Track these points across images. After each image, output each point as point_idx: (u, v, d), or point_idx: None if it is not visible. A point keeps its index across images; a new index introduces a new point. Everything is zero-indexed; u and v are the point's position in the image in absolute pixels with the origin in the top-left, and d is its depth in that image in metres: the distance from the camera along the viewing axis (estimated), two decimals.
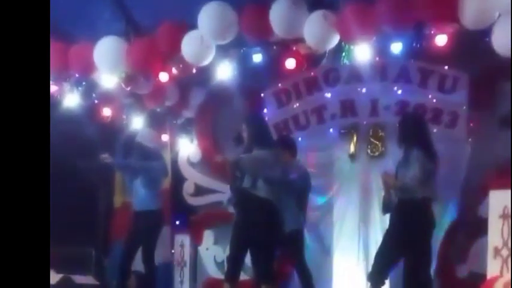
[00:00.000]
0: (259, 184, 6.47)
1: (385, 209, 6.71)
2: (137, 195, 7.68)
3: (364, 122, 7.81)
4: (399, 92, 7.66)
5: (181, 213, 8.82)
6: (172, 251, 8.74)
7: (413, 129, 6.55)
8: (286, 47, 6.82)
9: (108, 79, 7.68)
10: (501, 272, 6.41)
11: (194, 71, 7.41)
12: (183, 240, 8.65)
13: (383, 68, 7.65)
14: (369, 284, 6.58)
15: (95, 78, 7.76)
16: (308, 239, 7.45)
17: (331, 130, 7.96)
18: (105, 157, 7.48)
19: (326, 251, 7.86)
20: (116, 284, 7.96)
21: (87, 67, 7.46)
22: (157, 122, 8.54)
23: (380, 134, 7.76)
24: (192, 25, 6.82)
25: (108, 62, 7.37)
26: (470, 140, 7.47)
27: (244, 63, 7.16)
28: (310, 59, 7.08)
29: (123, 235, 8.41)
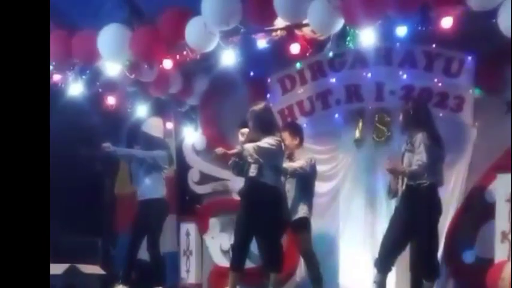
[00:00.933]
0: (266, 172, 6.46)
1: (391, 194, 6.69)
2: (142, 183, 7.70)
3: (370, 107, 7.77)
4: (404, 76, 7.61)
5: (186, 201, 8.81)
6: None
7: (418, 115, 6.53)
8: (290, 32, 6.75)
9: (112, 67, 7.64)
10: (509, 256, 6.39)
11: (198, 57, 7.35)
12: (189, 228, 8.64)
13: (388, 53, 7.59)
14: (376, 270, 6.57)
15: (99, 66, 7.72)
16: (314, 226, 7.41)
17: (336, 115, 7.93)
18: (107, 146, 7.49)
19: (332, 238, 7.83)
20: (122, 274, 7.97)
21: (91, 55, 7.42)
22: (162, 110, 8.52)
23: (386, 119, 7.72)
24: (195, 11, 6.77)
25: (111, 50, 7.34)
26: (476, 123, 7.42)
27: (248, 49, 7.10)
28: (315, 44, 7.01)
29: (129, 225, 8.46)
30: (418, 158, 6.30)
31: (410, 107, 6.64)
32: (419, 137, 6.33)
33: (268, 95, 8.17)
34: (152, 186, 7.73)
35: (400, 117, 6.64)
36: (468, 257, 7.28)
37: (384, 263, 6.52)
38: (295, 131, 7.28)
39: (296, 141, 7.20)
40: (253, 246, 7.26)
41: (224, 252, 8.43)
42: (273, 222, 6.50)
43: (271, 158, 6.47)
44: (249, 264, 7.70)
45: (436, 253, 6.63)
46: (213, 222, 8.58)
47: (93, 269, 8.09)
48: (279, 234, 6.74)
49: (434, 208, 6.42)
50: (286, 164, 7.03)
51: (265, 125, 6.53)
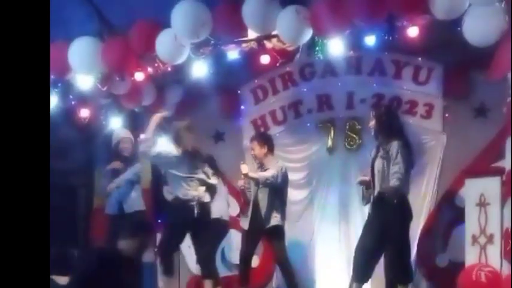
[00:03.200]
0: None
1: (365, 200, 6.79)
2: (128, 197, 7.77)
3: (341, 116, 7.87)
4: (374, 84, 7.72)
5: (162, 211, 8.81)
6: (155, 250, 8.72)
7: (391, 121, 6.63)
8: (260, 43, 6.82)
9: (84, 80, 7.64)
10: (479, 259, 6.49)
11: (169, 69, 7.38)
12: None
13: (357, 62, 7.71)
14: (353, 279, 6.62)
15: (71, 79, 7.72)
16: (289, 233, 7.47)
17: (308, 124, 8.01)
18: (116, 164, 7.78)
19: (307, 246, 7.89)
20: None
21: (63, 68, 7.40)
22: (135, 122, 8.54)
23: (357, 127, 7.82)
24: (165, 24, 6.80)
25: (83, 63, 7.32)
26: (445, 130, 7.53)
27: (219, 60, 7.16)
28: (285, 55, 7.09)
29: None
30: (396, 169, 6.37)
31: (383, 112, 6.74)
32: (395, 146, 6.41)
33: (242, 106, 8.25)
34: (137, 199, 7.86)
35: (372, 123, 6.72)
36: (441, 260, 7.39)
37: (359, 272, 6.57)
38: (263, 140, 7.36)
39: (264, 150, 7.27)
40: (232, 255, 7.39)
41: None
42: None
43: None
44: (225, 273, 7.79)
45: (408, 257, 6.72)
46: None
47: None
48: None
49: (405, 214, 6.51)
50: (257, 174, 7.11)
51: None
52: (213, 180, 7.38)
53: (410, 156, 6.56)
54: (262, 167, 7.27)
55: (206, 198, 7.26)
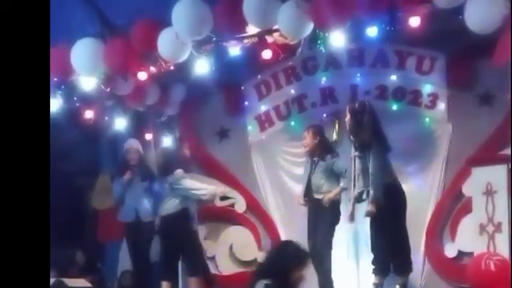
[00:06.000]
0: None
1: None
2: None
3: (345, 109, 7.81)
4: (378, 76, 7.69)
5: None
6: None
7: (364, 117, 6.74)
8: (261, 38, 6.80)
9: (88, 81, 7.65)
10: (488, 248, 6.47)
11: (172, 68, 7.38)
12: None
13: (360, 54, 7.69)
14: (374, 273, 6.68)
15: (74, 81, 7.73)
16: (296, 227, 7.47)
17: (312, 118, 7.98)
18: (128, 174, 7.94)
19: None
20: (110, 287, 7.99)
21: (65, 70, 7.41)
22: (140, 122, 8.56)
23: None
24: (166, 22, 6.80)
25: (85, 64, 7.32)
26: (451, 119, 7.50)
27: (221, 57, 7.14)
28: (287, 49, 7.07)
29: (115, 238, 8.50)
30: (373, 170, 6.54)
31: (357, 110, 6.75)
32: (370, 145, 6.59)
33: (245, 102, 8.24)
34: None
35: (347, 121, 6.82)
36: (449, 250, 7.36)
37: (378, 265, 6.66)
38: (316, 131, 7.40)
39: (316, 141, 7.31)
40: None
41: (210, 259, 8.44)
42: None
43: None
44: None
45: (404, 247, 6.71)
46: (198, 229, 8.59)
47: (79, 283, 8.09)
48: None
49: (395, 204, 6.60)
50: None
51: None
52: None
53: (386, 152, 6.60)
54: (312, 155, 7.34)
55: None
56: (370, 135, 6.63)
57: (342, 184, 7.16)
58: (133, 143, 8.18)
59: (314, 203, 7.23)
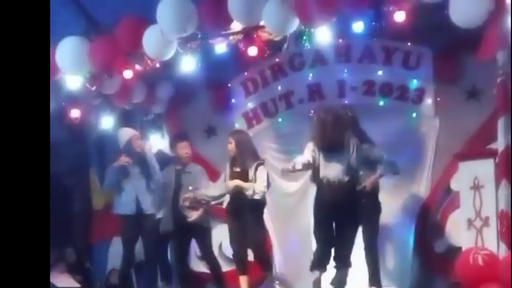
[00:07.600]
0: None
1: None
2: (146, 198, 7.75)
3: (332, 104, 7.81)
4: (365, 71, 7.68)
5: None
6: None
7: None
8: (247, 35, 6.77)
9: (73, 80, 7.60)
10: (476, 242, 6.46)
11: (158, 65, 7.34)
12: None
13: (347, 49, 7.68)
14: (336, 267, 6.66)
15: (60, 80, 7.68)
16: (285, 225, 7.45)
17: (300, 115, 7.96)
18: (125, 159, 7.71)
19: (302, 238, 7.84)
20: (99, 286, 7.94)
21: (51, 69, 7.37)
22: (127, 120, 8.51)
23: (349, 114, 7.74)
24: (152, 20, 6.76)
25: (71, 63, 7.29)
26: (438, 114, 7.50)
27: (207, 54, 7.11)
28: (273, 45, 7.05)
29: (106, 237, 8.44)
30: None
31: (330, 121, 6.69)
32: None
33: (232, 100, 8.21)
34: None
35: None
36: (439, 246, 7.36)
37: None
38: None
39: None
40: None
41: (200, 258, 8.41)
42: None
43: None
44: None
45: (347, 241, 6.71)
46: None
47: (66, 282, 8.06)
48: None
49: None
50: None
51: None
52: None
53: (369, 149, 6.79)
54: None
55: None
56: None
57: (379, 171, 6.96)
58: (133, 131, 7.99)
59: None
